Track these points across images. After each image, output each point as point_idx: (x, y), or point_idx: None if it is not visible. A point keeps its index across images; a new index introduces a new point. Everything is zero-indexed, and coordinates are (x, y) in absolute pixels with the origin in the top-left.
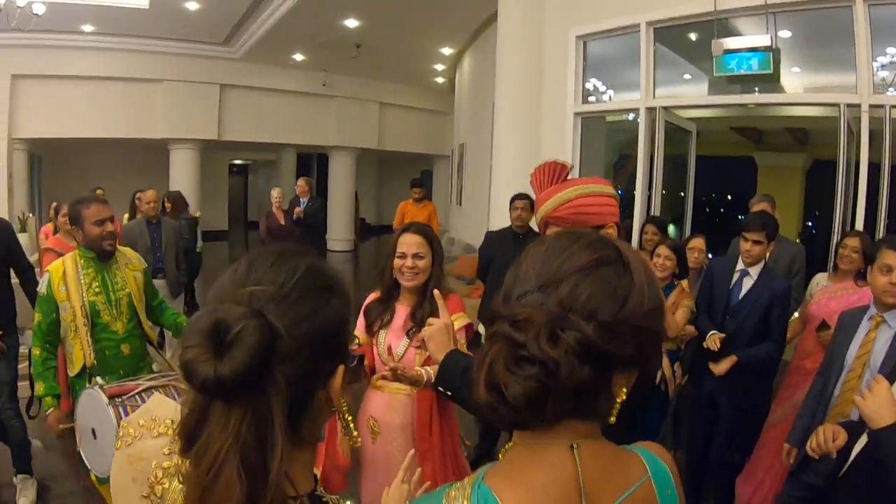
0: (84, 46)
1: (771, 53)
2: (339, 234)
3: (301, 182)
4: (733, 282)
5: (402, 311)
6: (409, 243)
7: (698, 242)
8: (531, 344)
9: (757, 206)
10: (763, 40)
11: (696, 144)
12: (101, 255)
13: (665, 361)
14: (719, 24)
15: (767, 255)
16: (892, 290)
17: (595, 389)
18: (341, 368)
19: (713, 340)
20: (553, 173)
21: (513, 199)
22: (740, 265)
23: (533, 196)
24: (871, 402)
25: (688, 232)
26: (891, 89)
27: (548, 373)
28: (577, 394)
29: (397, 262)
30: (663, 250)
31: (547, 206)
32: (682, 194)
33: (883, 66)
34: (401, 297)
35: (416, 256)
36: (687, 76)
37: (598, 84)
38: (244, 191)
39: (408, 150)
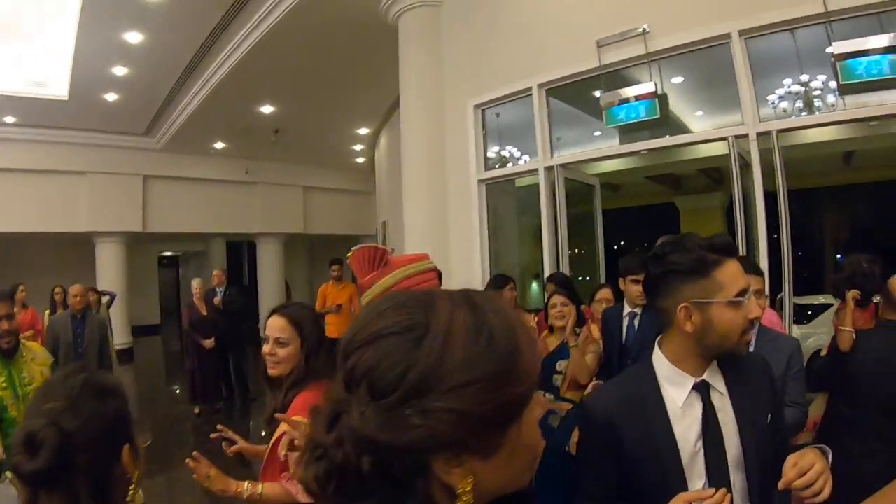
0: (5, 138)
1: (656, 99)
2: None
3: (216, 272)
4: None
5: (272, 401)
6: (272, 327)
7: (605, 293)
8: (315, 429)
9: None
10: (647, 87)
11: (619, 197)
12: (2, 352)
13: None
14: (608, 78)
15: None
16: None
17: (398, 480)
18: (126, 447)
19: None
20: (372, 259)
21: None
22: (627, 308)
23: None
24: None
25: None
26: (793, 116)
27: (329, 460)
28: (368, 483)
29: (264, 347)
30: (557, 299)
31: (369, 294)
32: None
33: (781, 97)
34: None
35: (277, 342)
36: (597, 133)
37: (514, 150)
38: (176, 283)
39: (335, 232)
